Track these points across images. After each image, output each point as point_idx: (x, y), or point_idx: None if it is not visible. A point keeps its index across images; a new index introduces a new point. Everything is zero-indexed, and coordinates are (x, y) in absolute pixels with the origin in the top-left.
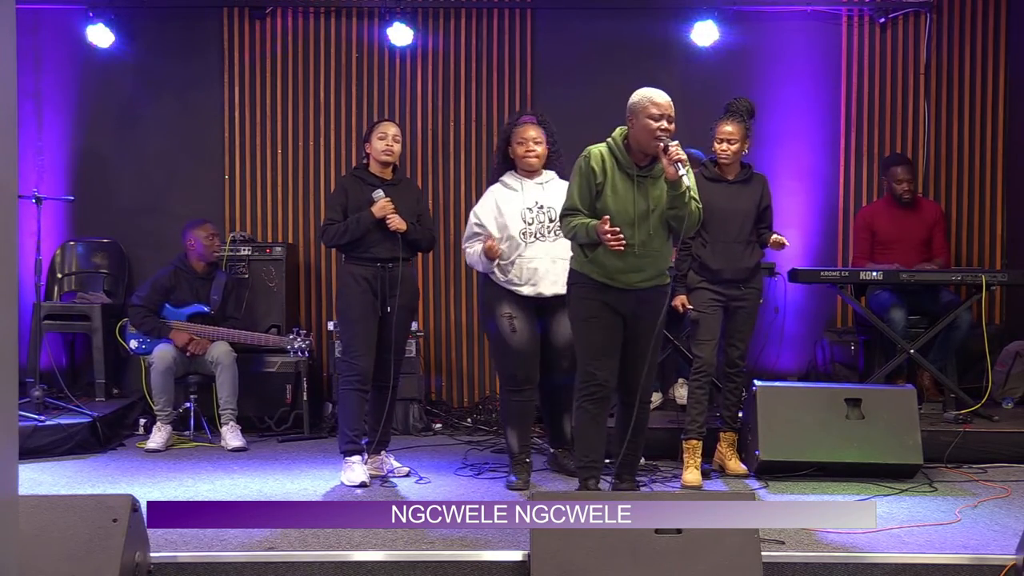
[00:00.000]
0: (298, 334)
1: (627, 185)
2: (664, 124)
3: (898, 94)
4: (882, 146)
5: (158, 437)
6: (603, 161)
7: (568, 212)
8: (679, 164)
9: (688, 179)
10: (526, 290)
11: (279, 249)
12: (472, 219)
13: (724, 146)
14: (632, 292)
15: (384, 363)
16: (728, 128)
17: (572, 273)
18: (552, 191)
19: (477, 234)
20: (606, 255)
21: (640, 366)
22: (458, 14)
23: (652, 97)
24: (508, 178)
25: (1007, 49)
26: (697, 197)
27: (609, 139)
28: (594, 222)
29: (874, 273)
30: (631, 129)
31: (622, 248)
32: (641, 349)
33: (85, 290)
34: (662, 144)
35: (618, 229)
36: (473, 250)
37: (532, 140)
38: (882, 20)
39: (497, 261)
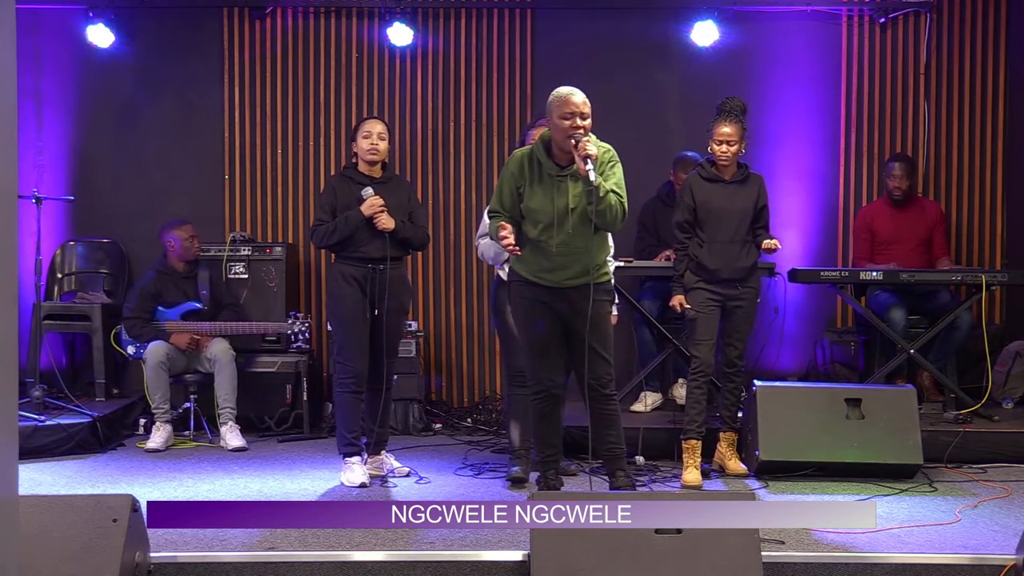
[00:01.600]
0: (295, 317)
1: (547, 185)
2: (577, 121)
3: (898, 94)
4: (882, 146)
5: (158, 437)
6: (523, 163)
7: (492, 213)
8: (588, 160)
9: (613, 176)
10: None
11: (279, 249)
12: (486, 217)
13: (723, 148)
14: (562, 290)
15: (378, 365)
16: (726, 129)
17: (510, 271)
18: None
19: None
20: (531, 254)
21: (593, 364)
22: (458, 14)
23: (564, 96)
24: None
25: (1007, 49)
26: (622, 193)
27: (534, 142)
28: (499, 224)
29: (874, 273)
30: (550, 128)
31: (517, 253)
32: (584, 348)
33: (85, 290)
34: (573, 140)
35: (509, 236)
36: (485, 243)
37: None
38: (882, 20)
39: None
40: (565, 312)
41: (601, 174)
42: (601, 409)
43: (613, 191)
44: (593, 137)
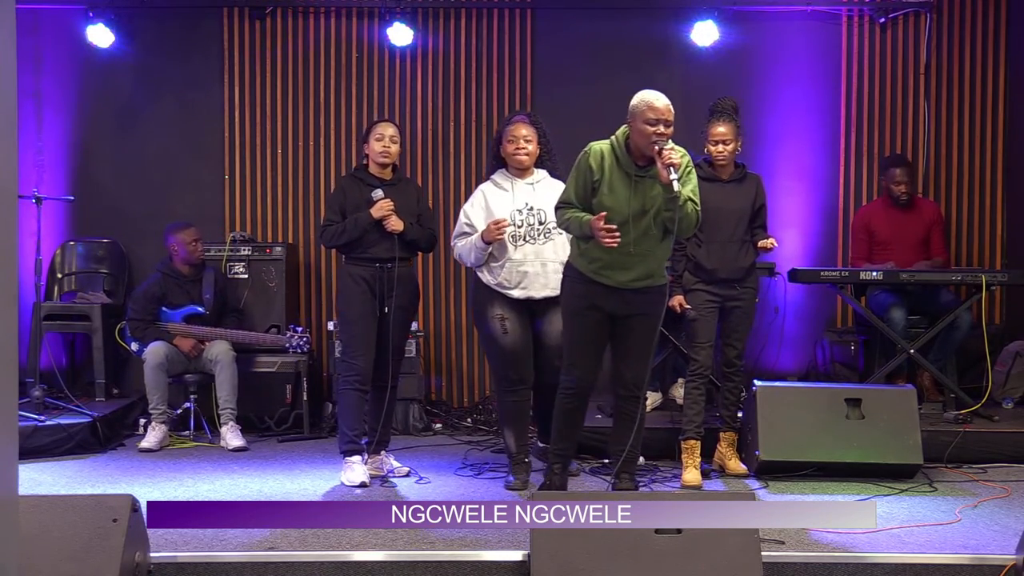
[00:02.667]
0: (295, 331)
1: (624, 184)
2: (660, 128)
3: (898, 94)
4: (882, 146)
5: (152, 437)
6: (603, 158)
7: (563, 204)
8: (671, 168)
9: (689, 182)
10: (516, 293)
11: (279, 249)
12: (462, 217)
13: (720, 148)
14: (620, 291)
15: (383, 363)
16: (720, 129)
17: (566, 266)
18: (542, 191)
19: (466, 233)
20: (597, 249)
21: (631, 364)
22: (458, 14)
23: (650, 101)
24: (498, 177)
25: (1007, 49)
26: (697, 201)
27: (612, 137)
28: (588, 216)
29: (874, 273)
30: (631, 130)
31: (615, 244)
32: (630, 348)
33: (85, 290)
34: (657, 147)
35: (614, 226)
36: (464, 243)
37: (523, 138)
38: (882, 20)
39: (490, 249)
40: (619, 313)
41: (680, 180)
42: (629, 410)
43: (690, 199)
44: (671, 143)
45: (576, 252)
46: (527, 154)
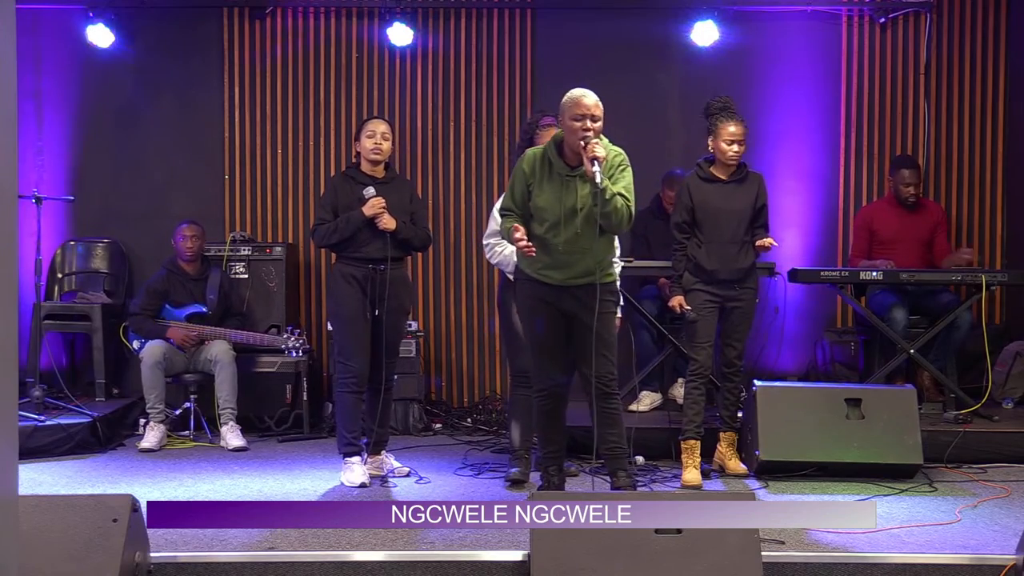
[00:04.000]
0: (292, 333)
1: (555, 184)
2: (587, 123)
3: (898, 94)
4: (882, 146)
5: (152, 436)
6: (535, 162)
7: (503, 212)
8: (595, 161)
9: (622, 179)
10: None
11: (279, 249)
12: (495, 213)
13: (734, 147)
14: (566, 289)
15: (378, 364)
16: (733, 129)
17: (516, 269)
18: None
19: (499, 231)
20: (536, 252)
21: (595, 361)
22: (458, 14)
23: (576, 98)
24: None
25: (1007, 49)
26: (630, 197)
27: (548, 141)
28: (509, 225)
29: (874, 273)
30: (562, 130)
31: (531, 254)
32: (588, 346)
33: (85, 290)
34: (582, 143)
35: (524, 236)
36: (503, 251)
37: None
38: (882, 20)
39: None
40: (569, 310)
41: (610, 177)
42: (603, 408)
43: (621, 194)
44: (605, 140)
45: (520, 255)
46: None
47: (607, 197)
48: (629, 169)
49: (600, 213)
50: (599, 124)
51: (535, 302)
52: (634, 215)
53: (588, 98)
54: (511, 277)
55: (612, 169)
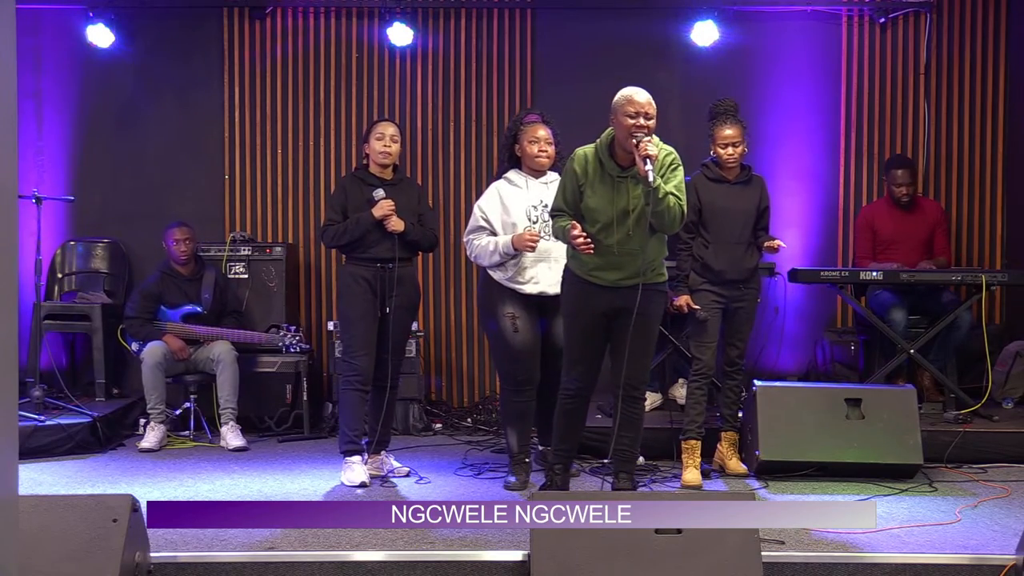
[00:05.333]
0: (288, 330)
1: (607, 185)
2: (640, 121)
3: (898, 94)
4: (882, 146)
5: (152, 437)
6: (586, 162)
7: (555, 213)
8: (648, 160)
9: (674, 178)
10: (529, 288)
11: (279, 249)
12: (477, 212)
13: (729, 150)
14: (613, 290)
15: (384, 363)
16: (728, 132)
17: (564, 268)
18: (555, 191)
19: (482, 228)
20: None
21: (628, 364)
22: (458, 14)
23: (630, 95)
24: (513, 175)
25: (1007, 49)
26: (682, 197)
27: (597, 140)
28: (567, 223)
29: (874, 273)
30: (614, 127)
31: (590, 251)
32: (627, 347)
33: (85, 290)
34: (635, 140)
35: (583, 234)
36: (480, 243)
37: (544, 140)
38: (882, 20)
39: (517, 257)
40: (613, 312)
41: (662, 176)
42: (627, 410)
43: (672, 194)
44: (656, 139)
45: (570, 254)
46: (548, 157)
47: (659, 196)
48: (681, 168)
49: (652, 212)
50: (652, 122)
51: (581, 302)
52: (686, 214)
53: (640, 95)
54: (491, 274)
55: (664, 168)
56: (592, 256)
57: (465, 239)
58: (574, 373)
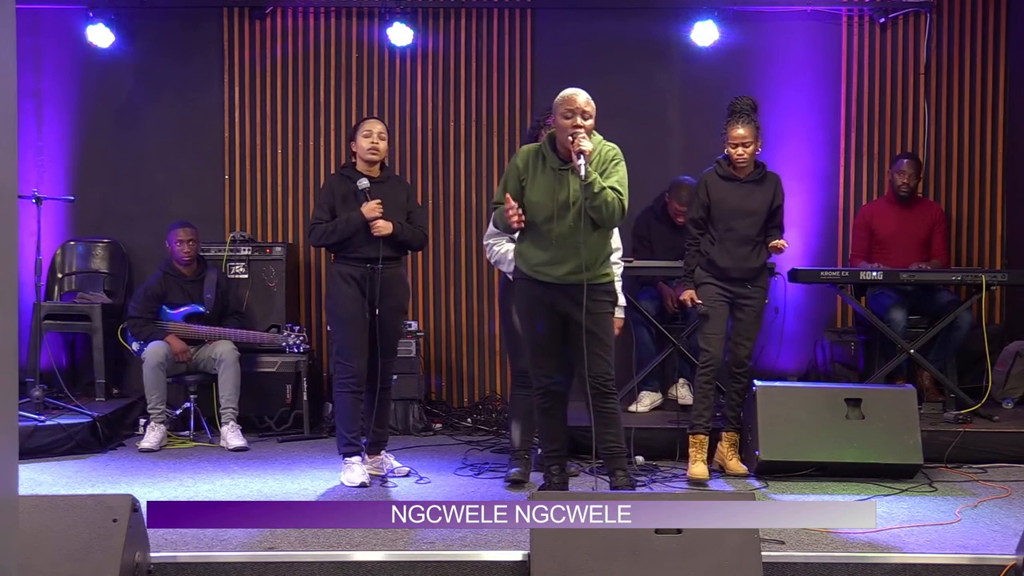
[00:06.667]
0: (291, 330)
1: (548, 179)
2: (577, 120)
3: (898, 94)
4: (882, 146)
5: (152, 437)
6: (528, 157)
7: (495, 205)
8: (581, 155)
9: (615, 174)
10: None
11: (279, 249)
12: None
13: (739, 150)
14: (559, 287)
15: (376, 364)
16: (740, 131)
17: (514, 269)
18: None
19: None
20: (529, 247)
21: (591, 361)
22: (458, 14)
23: (568, 96)
24: None
25: (1007, 49)
26: (623, 191)
27: (544, 138)
28: (505, 196)
29: (874, 273)
30: (555, 126)
31: (521, 225)
32: (585, 345)
33: (85, 290)
34: (570, 138)
35: (515, 205)
36: (501, 250)
37: None
38: (882, 20)
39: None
40: (564, 310)
41: (603, 172)
42: (600, 407)
43: (613, 188)
44: (598, 136)
45: (517, 251)
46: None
47: (595, 190)
48: (623, 164)
49: (589, 206)
50: (590, 122)
51: (531, 301)
52: (627, 209)
53: (579, 96)
54: (511, 277)
55: (605, 163)
56: (536, 250)
57: (485, 242)
58: (539, 372)
